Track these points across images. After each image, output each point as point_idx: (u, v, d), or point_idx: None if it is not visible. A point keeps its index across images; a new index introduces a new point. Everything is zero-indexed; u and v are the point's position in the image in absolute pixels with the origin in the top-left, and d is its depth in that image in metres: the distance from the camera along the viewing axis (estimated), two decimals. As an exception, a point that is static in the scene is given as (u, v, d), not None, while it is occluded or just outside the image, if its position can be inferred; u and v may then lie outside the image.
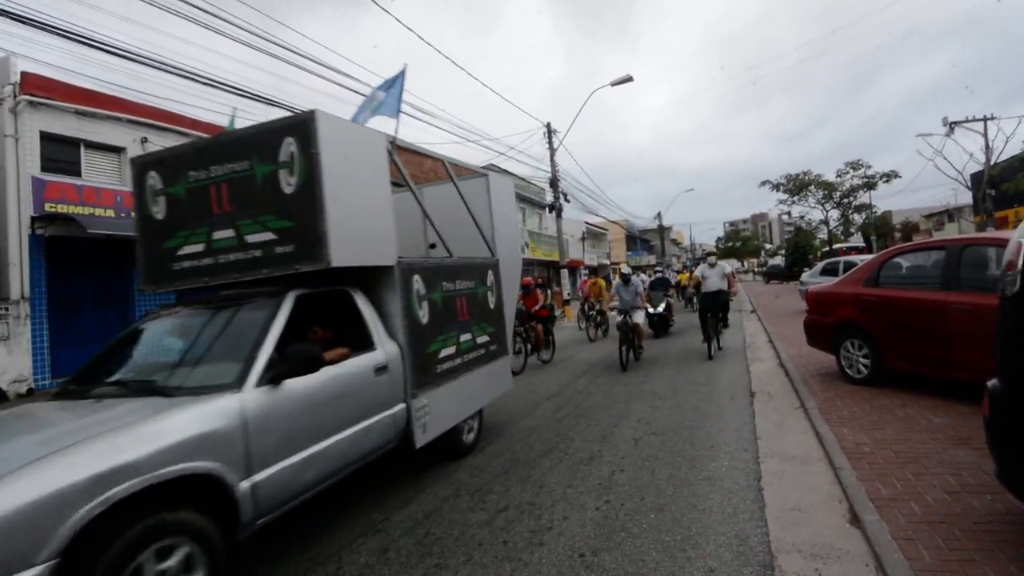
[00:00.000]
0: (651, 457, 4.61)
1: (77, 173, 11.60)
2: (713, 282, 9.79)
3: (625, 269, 10.19)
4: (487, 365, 5.22)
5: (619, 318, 9.38)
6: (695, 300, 12.38)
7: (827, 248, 38.94)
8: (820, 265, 16.45)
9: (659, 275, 16.31)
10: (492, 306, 5.47)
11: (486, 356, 5.21)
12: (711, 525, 3.32)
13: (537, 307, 10.54)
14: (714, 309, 9.69)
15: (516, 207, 6.41)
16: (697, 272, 11.01)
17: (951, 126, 26.46)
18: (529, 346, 10.29)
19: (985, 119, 25.98)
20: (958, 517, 3.03)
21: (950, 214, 42.43)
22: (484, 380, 5.17)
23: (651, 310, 12.46)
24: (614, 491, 3.96)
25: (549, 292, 12.97)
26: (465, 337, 4.84)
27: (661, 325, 13.14)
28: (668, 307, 13.32)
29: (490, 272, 5.50)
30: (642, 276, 17.79)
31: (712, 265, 10.03)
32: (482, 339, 5.16)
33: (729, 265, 14.81)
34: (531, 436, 5.52)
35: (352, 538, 3.54)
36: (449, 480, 4.45)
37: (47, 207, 10.73)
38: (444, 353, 4.49)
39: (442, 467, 4.74)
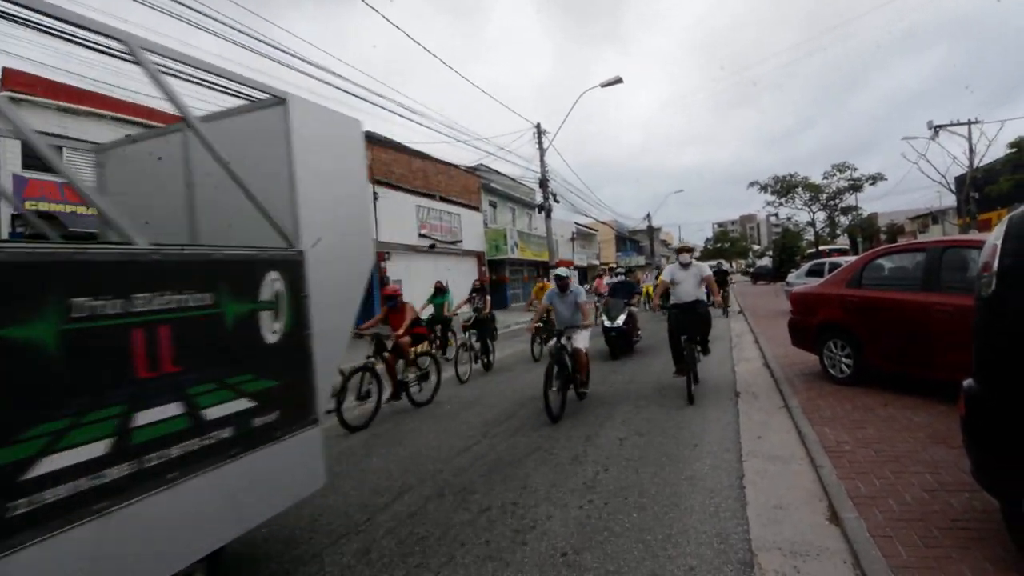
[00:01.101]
0: (635, 457, 4.63)
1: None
2: (686, 289, 6.66)
3: (560, 271, 6.75)
4: (242, 458, 2.68)
5: (551, 342, 6.40)
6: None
7: (813, 249, 39.37)
8: (806, 266, 16.49)
9: (620, 278, 13.19)
10: (275, 339, 2.92)
11: (240, 440, 2.67)
12: (693, 524, 3.34)
13: (401, 330, 6.93)
14: (689, 329, 6.51)
15: (364, 161, 3.94)
16: (665, 274, 7.25)
17: (935, 129, 26.86)
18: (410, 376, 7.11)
19: (969, 123, 26.40)
20: (936, 515, 3.07)
21: (934, 216, 43.08)
22: (223, 494, 2.59)
23: (608, 324, 9.82)
24: (597, 491, 3.97)
25: (488, 298, 10.36)
26: (160, 412, 2.30)
27: (621, 343, 9.99)
28: (631, 319, 10.19)
29: (275, 276, 2.95)
30: (619, 277, 14.31)
31: (685, 265, 6.73)
32: (229, 407, 2.63)
33: (724, 266, 12.74)
34: (514, 436, 5.52)
35: (335, 538, 3.52)
36: (433, 480, 4.43)
37: (27, 205, 10.61)
38: (55, 463, 1.91)
39: (426, 467, 4.73)
